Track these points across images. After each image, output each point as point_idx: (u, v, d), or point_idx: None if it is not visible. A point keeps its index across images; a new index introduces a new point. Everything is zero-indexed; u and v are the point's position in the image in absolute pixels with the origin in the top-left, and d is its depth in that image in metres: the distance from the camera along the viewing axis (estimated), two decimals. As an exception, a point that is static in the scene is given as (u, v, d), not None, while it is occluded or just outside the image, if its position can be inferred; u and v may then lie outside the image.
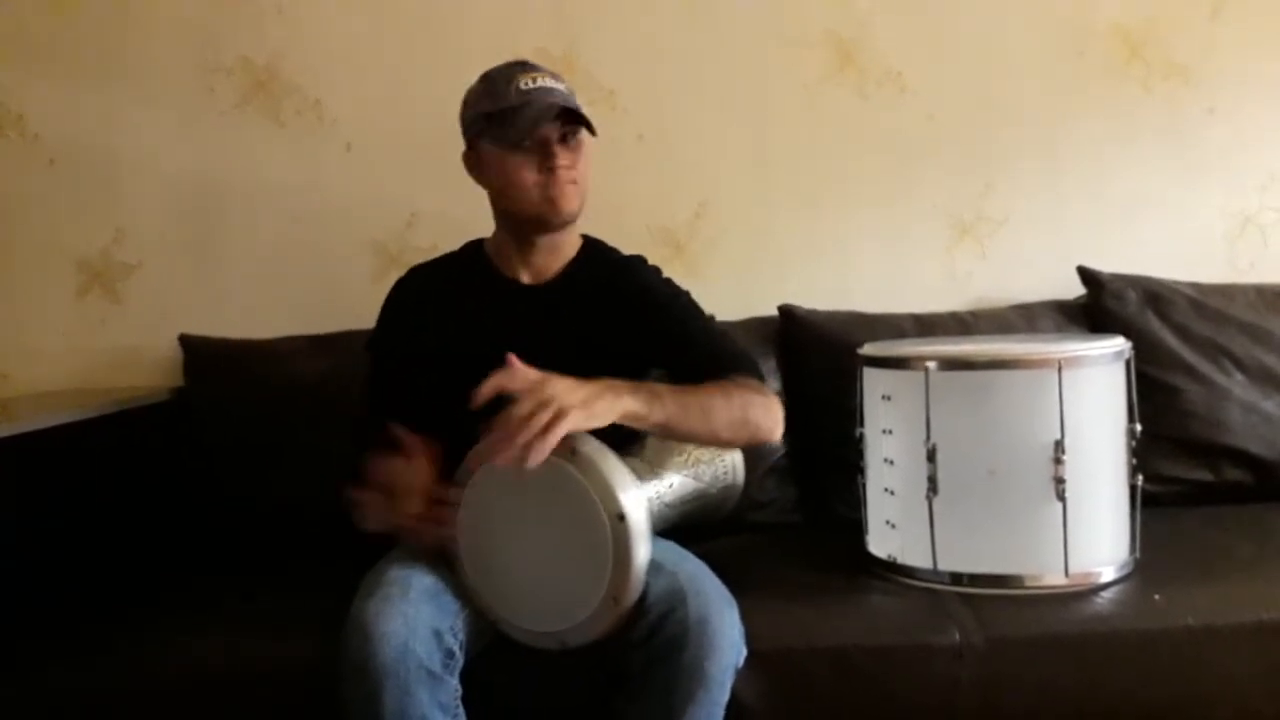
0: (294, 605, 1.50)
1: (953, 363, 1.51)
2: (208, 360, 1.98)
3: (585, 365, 1.27)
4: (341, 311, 1.97)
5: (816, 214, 2.13)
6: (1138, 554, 1.55)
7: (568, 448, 1.22)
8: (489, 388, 1.22)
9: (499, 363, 1.24)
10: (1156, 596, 1.45)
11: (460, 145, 1.51)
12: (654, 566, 1.28)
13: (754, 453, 1.65)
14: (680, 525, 1.47)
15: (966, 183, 2.13)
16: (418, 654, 1.21)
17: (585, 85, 2.00)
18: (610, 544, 1.23)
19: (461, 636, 1.28)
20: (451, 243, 1.61)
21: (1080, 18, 2.12)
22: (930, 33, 2.12)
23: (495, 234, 1.56)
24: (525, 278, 1.53)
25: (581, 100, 1.52)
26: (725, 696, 1.27)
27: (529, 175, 1.44)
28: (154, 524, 1.86)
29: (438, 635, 1.24)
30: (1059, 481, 1.45)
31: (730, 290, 1.94)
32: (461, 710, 1.26)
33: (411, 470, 1.34)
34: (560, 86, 1.46)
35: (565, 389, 1.21)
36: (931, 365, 1.50)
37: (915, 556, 1.53)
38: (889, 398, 1.57)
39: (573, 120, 1.44)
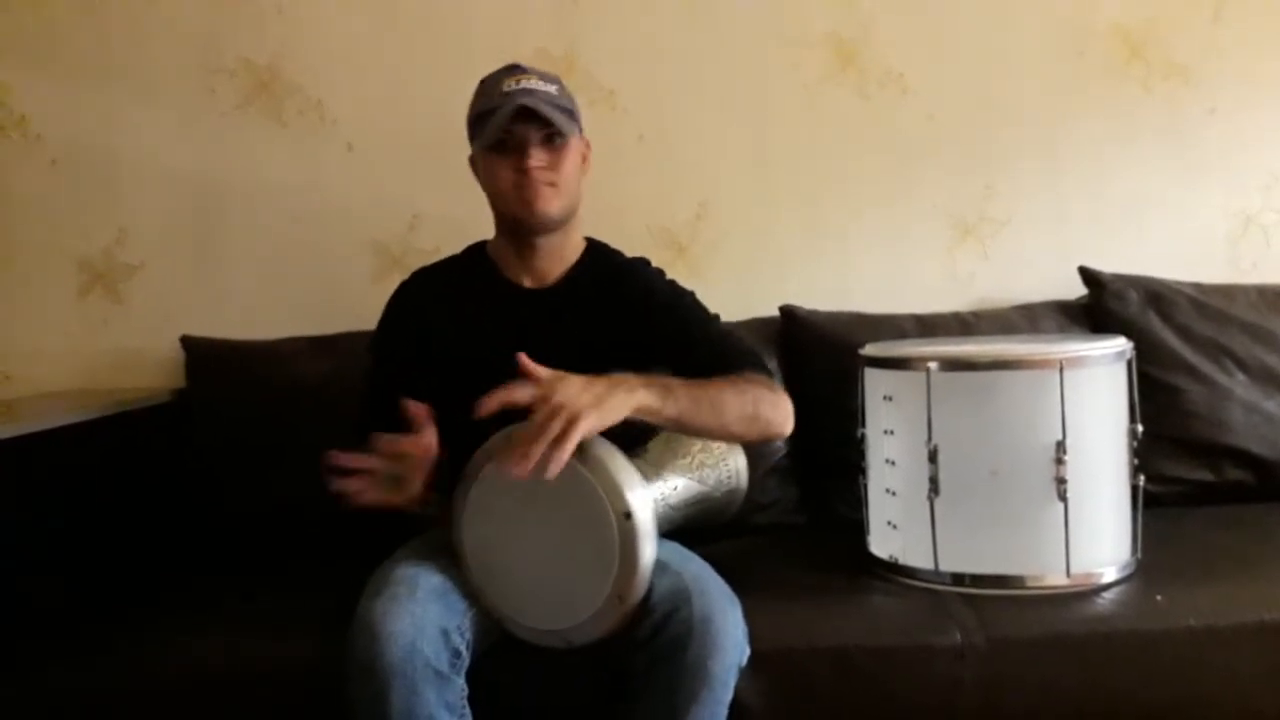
0: (294, 605, 1.50)
1: (954, 363, 1.51)
2: (209, 361, 1.98)
3: (589, 369, 1.27)
4: (343, 312, 1.97)
5: (817, 214, 2.13)
6: (1139, 554, 1.55)
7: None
8: (495, 401, 1.21)
9: (502, 367, 1.23)
10: (1158, 597, 1.45)
11: (463, 142, 1.51)
12: (658, 566, 1.28)
13: (756, 453, 1.65)
14: (684, 527, 1.47)
15: (967, 183, 2.14)
16: (425, 653, 1.21)
17: (585, 85, 2.00)
18: (617, 542, 1.24)
19: (468, 636, 1.28)
20: (453, 244, 1.62)
21: (1081, 18, 2.12)
22: (931, 33, 2.12)
23: (496, 237, 1.56)
24: (527, 281, 1.53)
25: (581, 101, 1.53)
26: (728, 696, 1.27)
27: (507, 176, 1.45)
28: (155, 524, 1.86)
29: (445, 635, 1.24)
30: (1060, 482, 1.45)
31: (731, 291, 1.94)
32: (468, 709, 1.26)
33: (421, 440, 1.31)
34: (546, 88, 1.45)
35: (575, 392, 1.20)
36: (933, 366, 1.50)
37: (917, 557, 1.53)
38: (890, 398, 1.57)
39: (532, 118, 1.42)
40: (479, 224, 1.56)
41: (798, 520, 1.90)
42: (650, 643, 1.25)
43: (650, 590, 1.27)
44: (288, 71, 2.07)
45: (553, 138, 1.45)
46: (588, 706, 1.33)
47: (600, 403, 1.21)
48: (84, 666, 1.40)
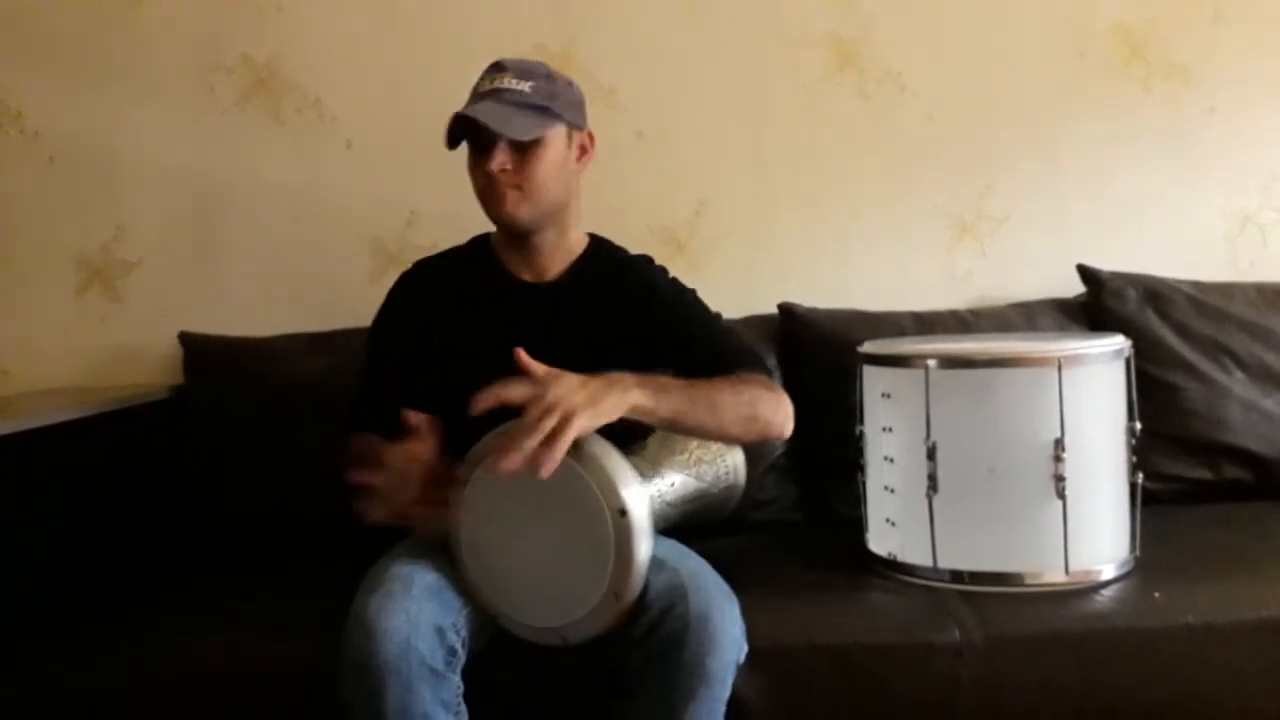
0: (294, 605, 1.50)
1: (953, 361, 1.51)
2: (207, 358, 1.98)
3: (590, 365, 1.26)
4: (341, 310, 1.97)
5: (817, 213, 2.13)
6: (1138, 552, 1.55)
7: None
8: (489, 399, 1.21)
9: (502, 361, 1.23)
10: (1156, 594, 1.45)
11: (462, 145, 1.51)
12: (655, 563, 1.28)
13: (754, 451, 1.65)
14: (681, 525, 1.47)
15: (967, 182, 2.14)
16: (420, 651, 1.20)
17: (584, 83, 1.95)
18: (612, 539, 1.23)
19: (464, 633, 1.28)
20: (451, 242, 1.61)
21: (1080, 17, 2.12)
22: (930, 33, 2.12)
23: (496, 231, 1.56)
24: (528, 276, 1.53)
25: (582, 98, 1.52)
26: (726, 693, 1.27)
27: (478, 178, 1.45)
28: (154, 522, 1.86)
29: (440, 632, 1.24)
30: (1059, 479, 1.45)
31: (730, 288, 1.94)
32: (463, 707, 1.25)
33: (414, 450, 1.32)
34: (519, 86, 1.42)
35: (569, 390, 1.20)
36: (932, 363, 1.50)
37: (915, 554, 1.53)
38: (889, 395, 1.57)
39: (469, 126, 1.40)
40: (477, 221, 1.56)
41: (796, 517, 1.90)
42: (647, 640, 1.24)
43: (646, 587, 1.27)
44: (286, 69, 2.07)
45: (524, 144, 1.42)
46: (584, 704, 1.33)
47: (595, 402, 1.20)
48: (84, 666, 1.40)
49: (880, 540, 1.60)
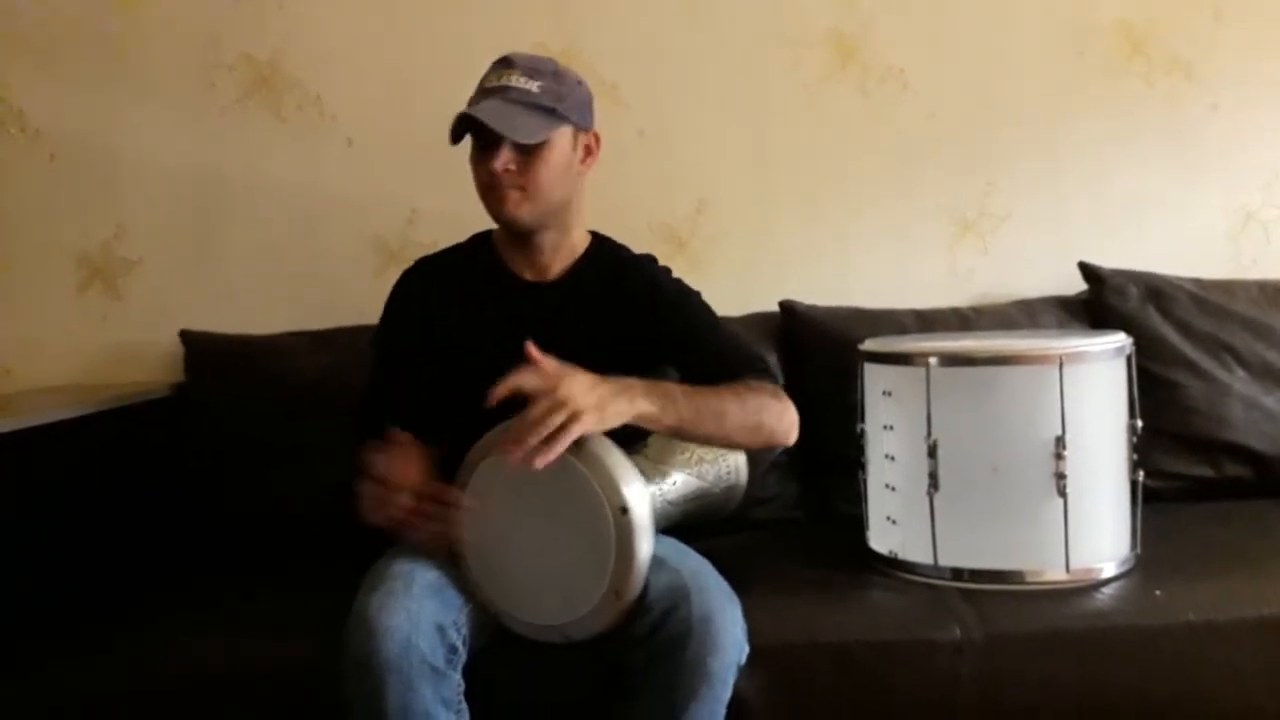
0: (294, 605, 1.50)
1: (954, 358, 1.51)
2: (208, 356, 1.97)
3: (592, 364, 1.26)
4: (342, 308, 1.97)
5: (818, 211, 2.13)
6: (1139, 550, 1.55)
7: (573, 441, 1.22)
8: (505, 388, 1.21)
9: (505, 360, 1.23)
10: (1157, 592, 1.45)
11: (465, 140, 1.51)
12: (657, 563, 1.28)
13: (756, 452, 1.65)
14: (682, 524, 1.47)
15: (968, 180, 2.13)
16: (421, 649, 1.21)
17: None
18: (613, 537, 1.24)
19: (464, 631, 1.28)
20: (452, 239, 1.61)
21: (1082, 15, 2.12)
22: (932, 31, 2.12)
23: (498, 229, 1.55)
24: (530, 275, 1.52)
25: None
26: (728, 693, 1.27)
27: (481, 177, 1.44)
28: (154, 520, 1.86)
29: (441, 630, 1.24)
30: (1060, 477, 1.45)
31: (731, 286, 1.94)
32: (464, 705, 1.25)
33: (402, 465, 1.33)
34: (526, 85, 1.40)
35: (581, 390, 1.20)
36: (933, 361, 1.50)
37: (916, 552, 1.53)
38: (890, 393, 1.56)
39: (472, 126, 1.39)
40: (478, 219, 1.56)
41: (797, 515, 1.90)
42: (649, 640, 1.25)
43: (648, 587, 1.27)
44: (287, 66, 2.07)
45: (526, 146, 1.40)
46: (585, 703, 1.33)
47: (602, 405, 1.21)
48: (84, 666, 1.40)
49: (881, 538, 1.60)
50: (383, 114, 2.08)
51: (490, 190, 1.43)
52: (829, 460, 1.85)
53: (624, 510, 1.23)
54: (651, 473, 1.40)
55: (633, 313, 1.48)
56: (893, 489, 1.57)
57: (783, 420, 1.39)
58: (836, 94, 2.11)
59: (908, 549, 1.54)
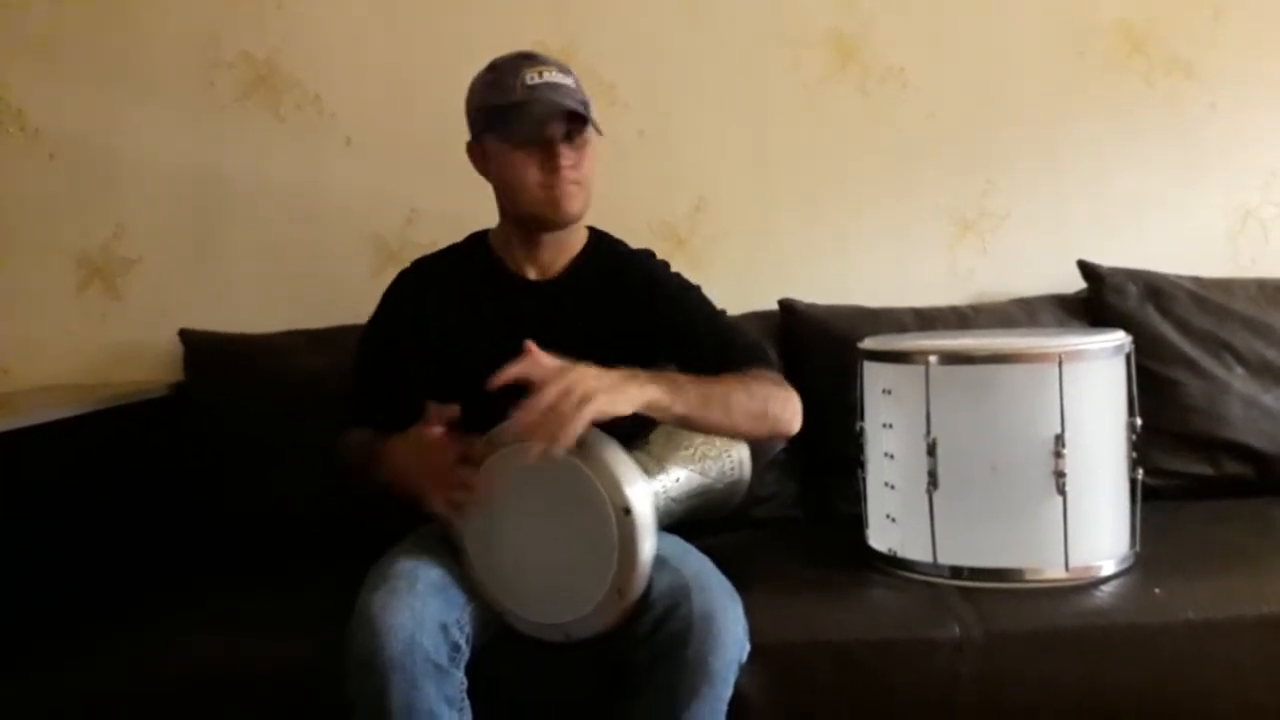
0: (294, 604, 1.50)
1: (953, 357, 1.51)
2: (208, 355, 1.97)
3: (593, 360, 1.26)
4: (341, 307, 1.97)
5: (817, 210, 2.13)
6: (1138, 548, 1.55)
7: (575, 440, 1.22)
8: (511, 373, 1.21)
9: (503, 358, 1.23)
10: (1157, 590, 1.45)
11: (462, 137, 1.51)
12: (659, 561, 1.28)
13: (756, 447, 1.65)
14: (685, 520, 1.47)
15: (968, 179, 2.13)
16: (424, 647, 1.21)
17: (585, 79, 1.95)
18: (616, 538, 1.24)
19: (468, 630, 1.28)
20: (451, 239, 1.61)
21: (1081, 14, 2.12)
22: (932, 30, 2.12)
23: (500, 227, 1.55)
24: (530, 273, 1.52)
25: (583, 94, 1.52)
26: (729, 692, 1.27)
27: (533, 174, 1.42)
28: (154, 520, 1.86)
29: (444, 629, 1.24)
30: (1059, 475, 1.45)
31: (731, 285, 1.93)
32: (467, 703, 1.26)
33: (437, 439, 1.32)
34: (567, 81, 1.43)
35: (591, 375, 1.20)
36: (932, 359, 1.50)
37: (915, 550, 1.53)
38: (889, 392, 1.57)
39: (577, 120, 1.42)
40: (477, 218, 1.56)
41: (796, 514, 1.90)
42: (651, 638, 1.25)
43: (650, 586, 1.27)
44: (286, 65, 2.07)
45: (572, 133, 1.42)
46: (587, 701, 1.33)
47: (615, 389, 1.21)
48: (84, 666, 1.40)
49: (880, 536, 1.60)
50: (382, 113, 2.08)
51: (549, 189, 1.42)
52: (828, 458, 1.85)
53: (627, 511, 1.23)
54: (654, 469, 1.40)
55: (632, 308, 1.48)
56: (892, 487, 1.57)
57: (787, 408, 1.39)
58: (836, 93, 2.11)
59: (907, 547, 1.54)
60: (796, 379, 1.88)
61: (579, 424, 1.17)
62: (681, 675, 1.23)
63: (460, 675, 1.25)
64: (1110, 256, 2.05)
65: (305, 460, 1.79)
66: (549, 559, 1.29)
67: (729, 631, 1.25)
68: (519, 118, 1.40)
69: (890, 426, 1.57)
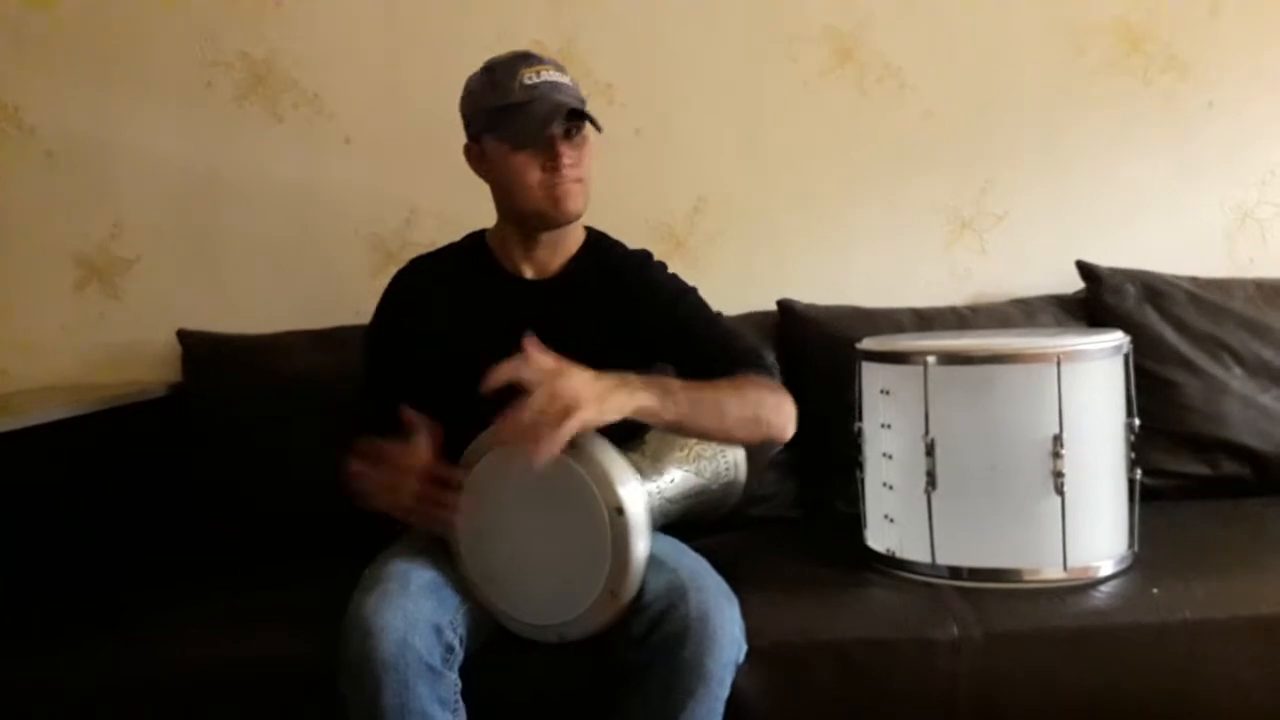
0: (293, 603, 1.49)
1: (951, 357, 1.51)
2: (206, 355, 1.97)
3: (589, 360, 1.26)
4: (340, 306, 1.97)
5: (815, 209, 2.13)
6: (1136, 548, 1.55)
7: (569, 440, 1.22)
8: (503, 374, 1.20)
9: (500, 358, 1.22)
10: (1155, 590, 1.45)
11: (459, 138, 1.50)
12: (654, 562, 1.28)
13: (755, 449, 1.65)
14: (681, 521, 1.47)
15: (966, 178, 2.13)
16: (417, 649, 1.21)
17: (582, 79, 1.97)
18: (609, 538, 1.23)
19: (461, 631, 1.28)
20: (451, 238, 1.61)
21: (1079, 12, 2.12)
22: (930, 29, 2.12)
23: (498, 226, 1.55)
24: (528, 272, 1.52)
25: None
26: (725, 692, 1.27)
27: (533, 173, 1.42)
28: (152, 519, 1.86)
29: (438, 630, 1.24)
30: (1057, 476, 1.45)
31: (729, 285, 1.94)
32: (461, 704, 1.26)
33: (412, 450, 1.32)
34: (565, 80, 1.44)
35: (580, 383, 1.19)
36: (930, 359, 1.50)
37: (914, 551, 1.53)
38: (888, 392, 1.57)
39: (579, 118, 1.42)
40: (476, 217, 1.56)
41: (795, 514, 1.90)
42: (647, 639, 1.25)
43: (646, 586, 1.27)
44: (284, 65, 2.07)
45: (572, 132, 1.43)
46: (583, 702, 1.33)
47: (602, 399, 1.20)
48: (79, 666, 1.39)
49: (879, 537, 1.60)
50: (381, 113, 2.08)
51: (551, 188, 1.42)
52: (827, 459, 1.85)
53: (620, 511, 1.23)
54: (649, 470, 1.40)
55: (628, 309, 1.48)
56: (890, 487, 1.57)
57: (780, 413, 1.38)
58: (834, 92, 2.11)
59: (905, 547, 1.54)
60: (795, 379, 1.88)
61: (564, 435, 1.17)
62: (678, 676, 1.22)
63: (454, 677, 1.25)
64: (1108, 256, 2.05)
65: (304, 460, 1.78)
66: (542, 560, 1.29)
67: (725, 632, 1.25)
68: (519, 118, 1.40)
69: (888, 427, 1.57)
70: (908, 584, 1.52)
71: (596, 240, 1.57)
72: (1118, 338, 1.55)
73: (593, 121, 1.43)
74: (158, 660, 1.40)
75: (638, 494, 1.26)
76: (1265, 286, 2.02)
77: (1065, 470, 1.45)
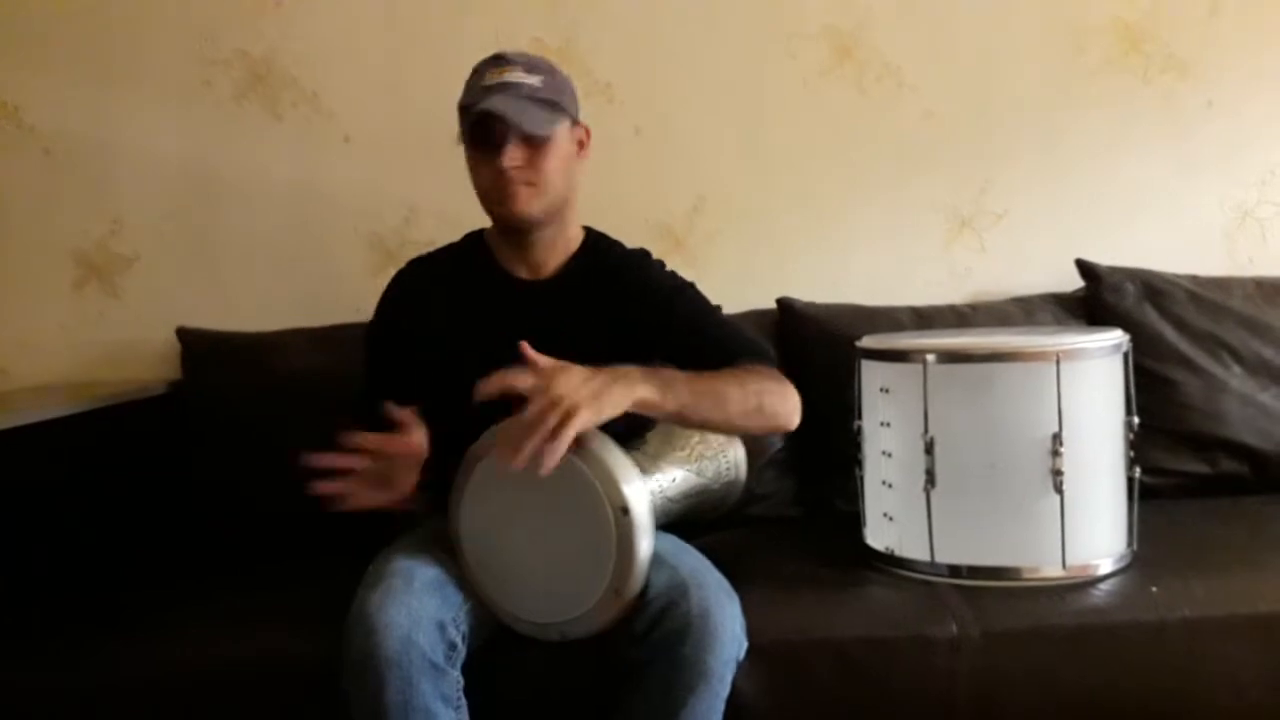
0: (293, 602, 1.50)
1: (951, 355, 1.51)
2: (205, 353, 1.97)
3: (589, 361, 1.25)
4: (339, 305, 1.97)
5: (815, 208, 2.13)
6: (1135, 546, 1.55)
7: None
8: (494, 385, 1.20)
9: (497, 358, 1.22)
10: (1154, 589, 1.46)
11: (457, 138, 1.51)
12: (655, 560, 1.28)
13: (754, 446, 1.65)
14: (682, 519, 1.47)
15: (965, 177, 2.13)
16: (421, 646, 1.21)
17: (582, 78, 1.99)
18: (614, 537, 1.24)
19: (464, 628, 1.28)
20: (449, 237, 1.61)
21: (1079, 12, 2.12)
22: (929, 28, 2.12)
23: (492, 226, 1.55)
24: (524, 273, 1.52)
25: (578, 93, 1.51)
26: (726, 690, 1.27)
27: (485, 173, 1.42)
28: (151, 518, 1.86)
29: (441, 627, 1.24)
30: (1057, 474, 1.45)
31: (728, 283, 1.93)
32: (464, 702, 1.26)
33: (405, 443, 1.32)
34: (529, 80, 1.41)
35: (574, 385, 1.19)
36: (930, 358, 1.50)
37: (913, 549, 1.53)
38: (887, 390, 1.57)
39: (484, 121, 1.39)
40: (475, 217, 1.56)
41: (794, 512, 1.91)
42: (648, 637, 1.25)
43: (647, 584, 1.27)
44: (283, 63, 2.07)
45: (533, 135, 1.41)
46: (584, 700, 1.33)
47: (599, 396, 1.19)
48: (78, 665, 1.39)
49: (878, 535, 1.61)
50: (380, 111, 2.08)
51: (498, 189, 1.42)
52: (826, 457, 1.85)
53: (625, 510, 1.23)
54: (651, 469, 1.40)
55: (626, 308, 1.48)
56: (890, 486, 1.57)
57: (785, 402, 1.38)
58: (834, 91, 2.11)
59: (904, 546, 1.54)
60: (794, 378, 1.88)
61: (562, 444, 1.16)
62: (679, 673, 1.23)
63: (457, 674, 1.25)
64: (1108, 255, 2.05)
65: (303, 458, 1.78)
66: (546, 558, 1.29)
67: (726, 629, 1.25)
68: (470, 119, 1.40)
69: (888, 425, 1.57)
70: (907, 582, 1.52)
71: (595, 240, 1.57)
72: (1117, 336, 1.56)
73: (481, 133, 1.39)
74: (158, 660, 1.40)
75: (642, 493, 1.26)
76: (1265, 285, 2.03)
77: (1064, 468, 1.45)
